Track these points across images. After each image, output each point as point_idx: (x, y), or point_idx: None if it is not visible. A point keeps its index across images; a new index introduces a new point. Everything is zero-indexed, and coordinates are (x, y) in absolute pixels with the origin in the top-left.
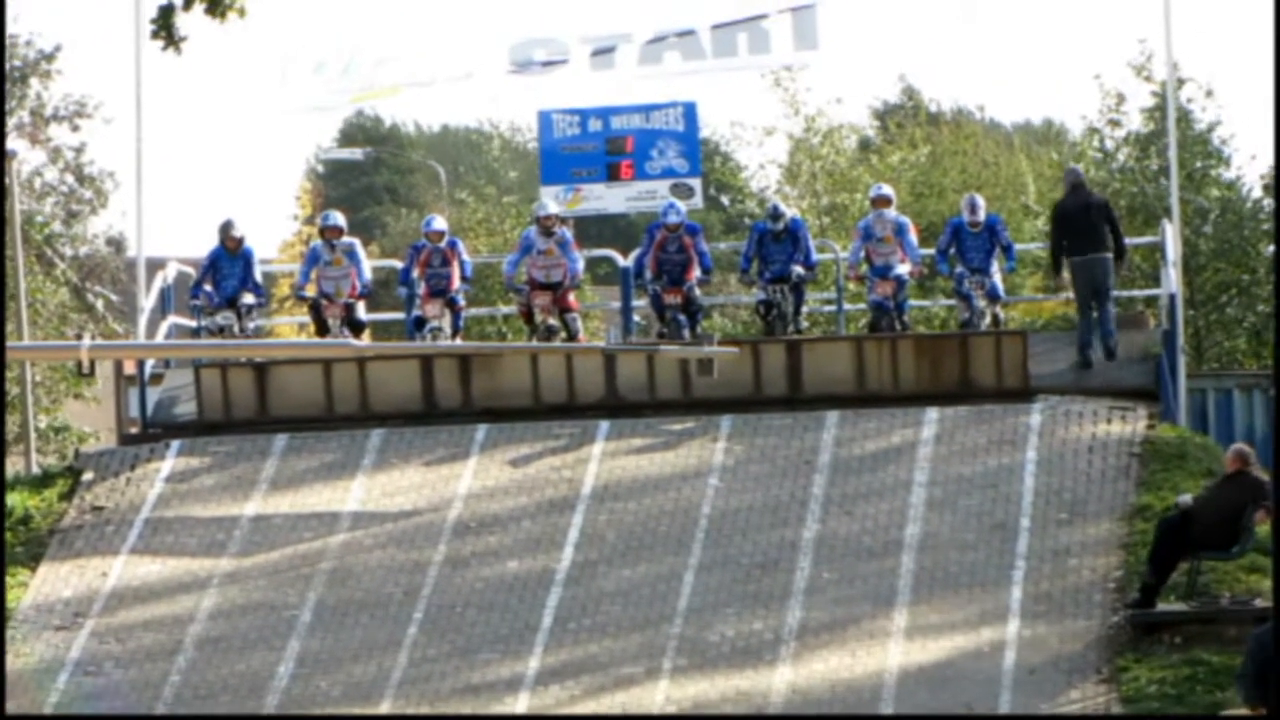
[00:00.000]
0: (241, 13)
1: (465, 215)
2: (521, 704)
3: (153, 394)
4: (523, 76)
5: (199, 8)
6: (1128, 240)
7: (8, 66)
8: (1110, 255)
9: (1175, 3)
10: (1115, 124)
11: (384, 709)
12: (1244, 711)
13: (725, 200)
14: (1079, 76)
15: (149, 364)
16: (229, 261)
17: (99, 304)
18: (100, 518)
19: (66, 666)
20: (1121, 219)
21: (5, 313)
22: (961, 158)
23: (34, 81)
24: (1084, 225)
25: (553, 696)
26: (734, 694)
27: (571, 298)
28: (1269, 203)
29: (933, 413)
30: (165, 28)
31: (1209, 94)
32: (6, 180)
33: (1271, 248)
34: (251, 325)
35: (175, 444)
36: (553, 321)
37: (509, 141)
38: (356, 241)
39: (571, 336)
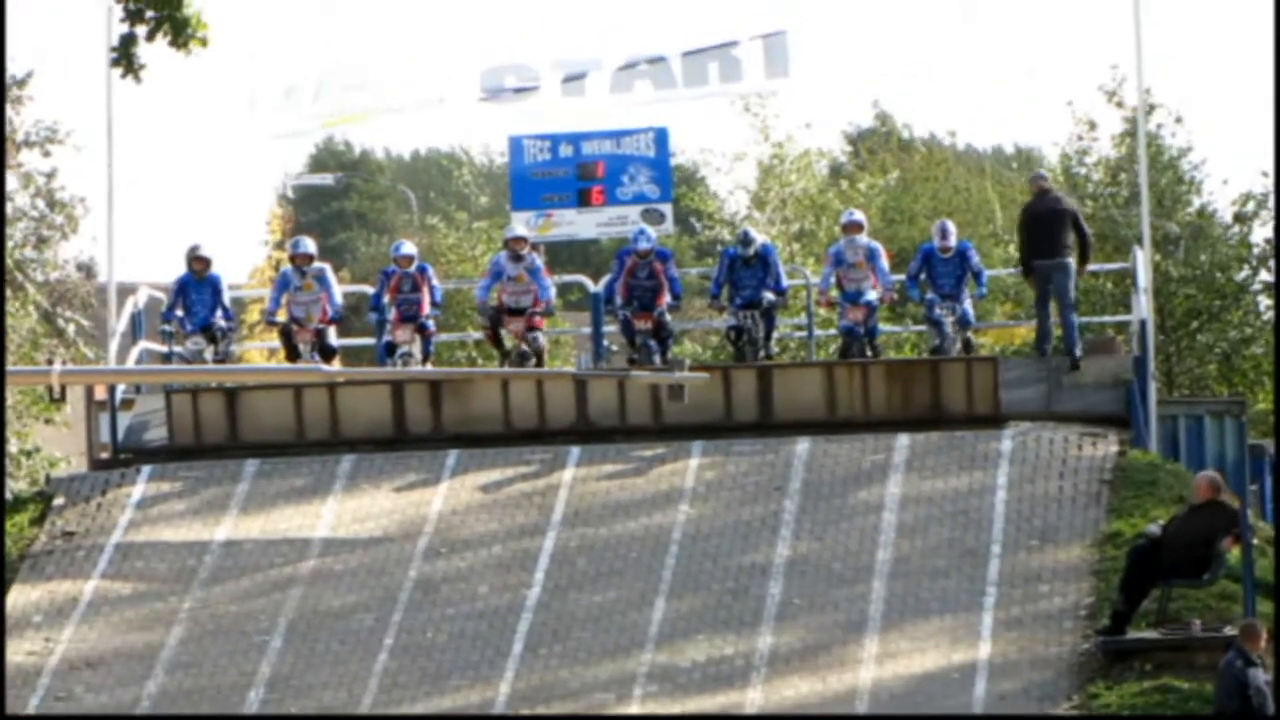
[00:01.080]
0: (204, 43)
1: (436, 241)
2: None
3: (123, 419)
4: (494, 103)
5: (162, 39)
6: (1100, 266)
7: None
8: (1072, 261)
9: (1146, 29)
10: (1084, 152)
11: None
12: None
13: (697, 225)
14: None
15: (120, 389)
16: (197, 287)
17: (70, 329)
18: (71, 543)
19: (37, 691)
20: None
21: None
22: (933, 184)
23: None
24: (1048, 230)
25: None
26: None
27: (538, 320)
28: (1238, 229)
29: (904, 438)
30: (126, 57)
31: (1179, 120)
32: None
33: (1244, 272)
34: (225, 349)
35: (146, 469)
36: (525, 348)
37: (480, 167)
38: (327, 267)
39: (537, 354)
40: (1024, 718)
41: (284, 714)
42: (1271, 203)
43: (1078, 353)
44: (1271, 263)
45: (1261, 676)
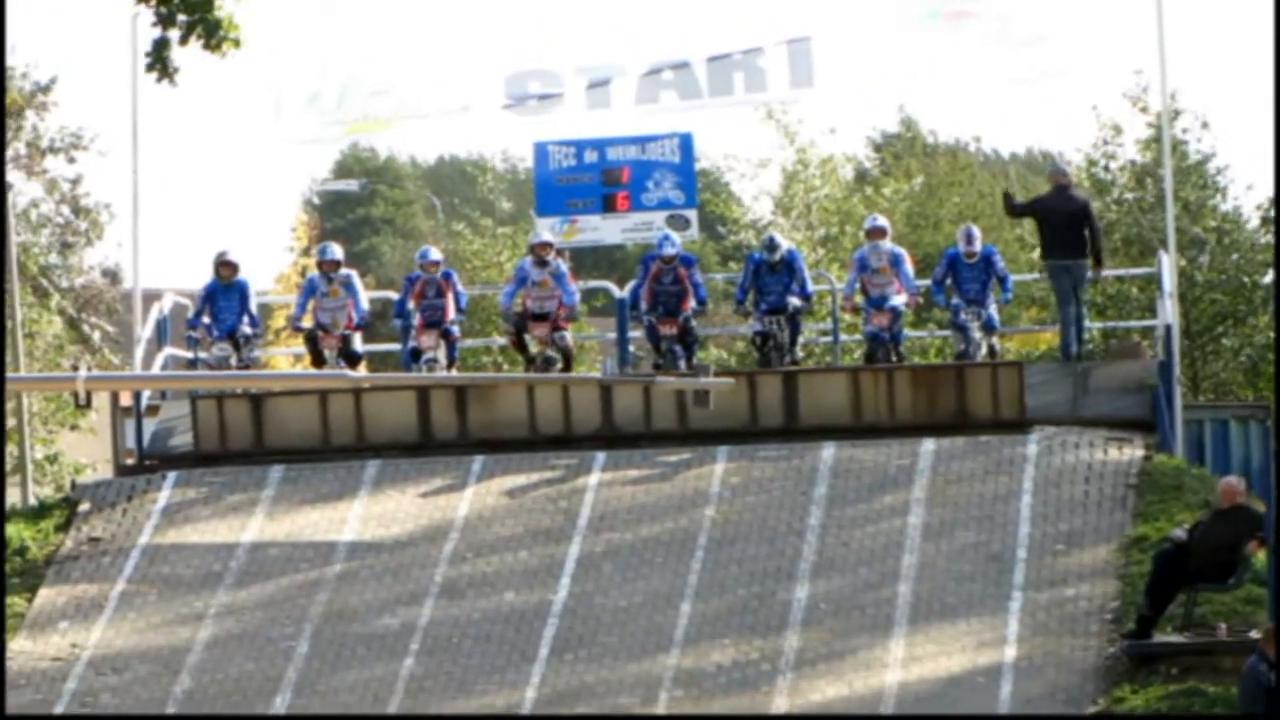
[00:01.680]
0: (237, 44)
1: (461, 246)
2: None
3: (149, 425)
4: (518, 112)
5: (195, 42)
6: (1125, 271)
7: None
8: (1087, 261)
9: (1170, 34)
10: (1111, 156)
11: None
12: None
13: (722, 231)
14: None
15: (145, 395)
16: (224, 294)
17: (95, 335)
18: (97, 549)
19: (63, 697)
20: (1117, 251)
21: (4, 344)
22: (957, 189)
23: (30, 114)
24: (1065, 227)
25: None
26: None
27: (563, 322)
28: (1265, 234)
29: (929, 443)
30: (160, 60)
31: (1205, 125)
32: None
33: (1269, 276)
34: (249, 356)
35: (171, 475)
36: (550, 353)
37: (503, 174)
38: (354, 273)
39: (565, 355)
40: (1041, 718)
41: (299, 714)
42: None
43: (1084, 341)
44: None
45: None
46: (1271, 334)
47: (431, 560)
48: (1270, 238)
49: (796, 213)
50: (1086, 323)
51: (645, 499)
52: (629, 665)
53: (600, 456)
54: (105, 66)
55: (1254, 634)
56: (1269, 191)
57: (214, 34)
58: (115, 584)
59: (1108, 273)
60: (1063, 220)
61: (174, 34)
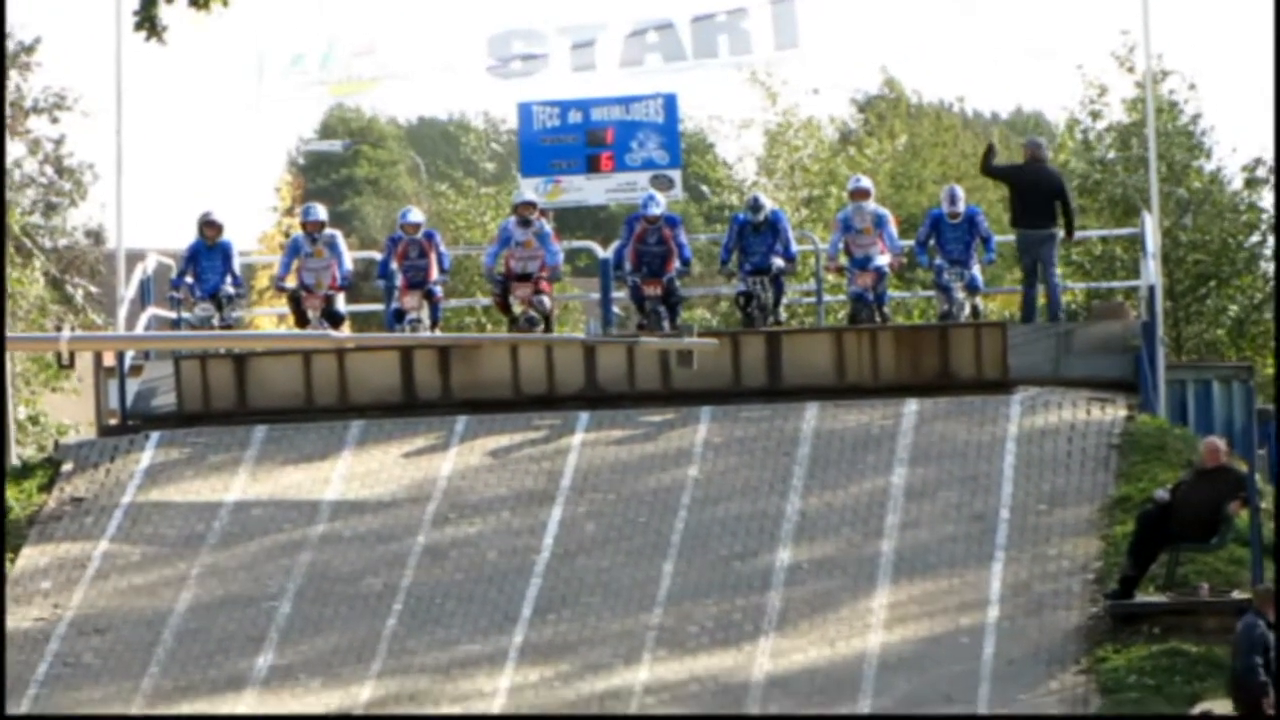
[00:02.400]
0: (225, 2)
1: (443, 207)
2: (501, 693)
3: (132, 385)
4: (502, 74)
5: (183, 1)
6: (1109, 232)
7: None
8: (1058, 232)
9: None
10: (1097, 115)
11: (364, 699)
12: (1218, 704)
13: (706, 191)
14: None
15: (128, 355)
16: (208, 254)
17: (78, 296)
18: (80, 509)
19: (45, 658)
20: (1102, 211)
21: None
22: (941, 149)
23: (13, 73)
24: (1037, 199)
25: (532, 686)
26: (713, 682)
27: (544, 284)
28: (1249, 195)
29: (912, 404)
30: (148, 19)
31: (1192, 87)
32: None
33: (1254, 237)
34: (232, 316)
35: (154, 435)
36: (533, 313)
37: (485, 135)
38: (338, 234)
39: (545, 318)
40: (1024, 718)
41: (301, 714)
42: None
43: (1061, 316)
44: None
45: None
46: (1256, 295)
47: (415, 520)
48: (1253, 198)
49: (780, 173)
50: (1069, 283)
51: (628, 459)
52: (611, 624)
53: (584, 417)
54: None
55: (1237, 594)
56: (1254, 153)
57: None
58: (98, 544)
59: (1092, 233)
60: (1035, 192)
61: None
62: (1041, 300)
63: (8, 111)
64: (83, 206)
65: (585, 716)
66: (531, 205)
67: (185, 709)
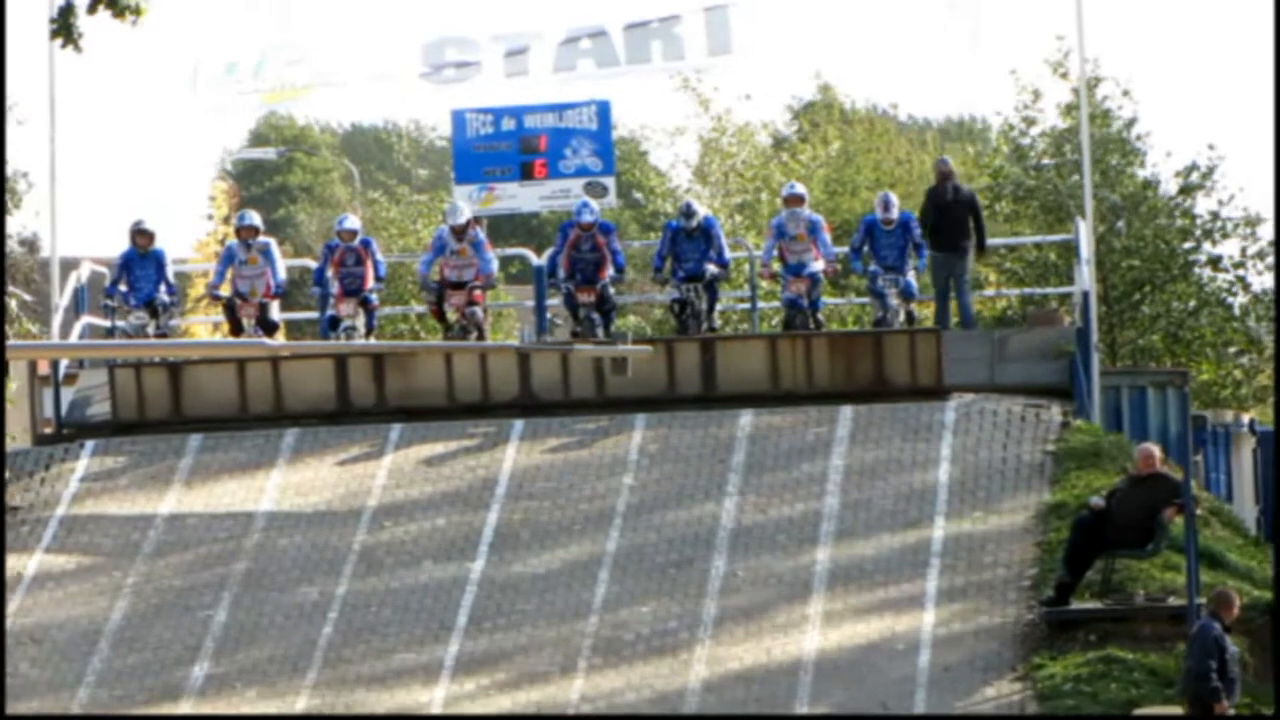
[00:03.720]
0: (138, 12)
1: (377, 215)
2: (437, 703)
3: (67, 394)
4: (436, 81)
5: (103, 10)
6: (1043, 238)
7: None
8: (969, 248)
9: (1091, 2)
10: (1031, 121)
11: (299, 708)
12: (1160, 709)
13: (640, 198)
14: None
15: (63, 364)
16: (141, 262)
17: (12, 304)
18: (15, 518)
19: None
20: (1035, 217)
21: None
22: (874, 155)
23: None
24: (948, 219)
25: (468, 695)
26: (649, 690)
27: (478, 294)
28: (1183, 200)
29: (847, 411)
30: (65, 27)
31: (1126, 93)
32: None
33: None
34: (167, 325)
35: (90, 444)
36: (465, 322)
37: (418, 142)
38: (272, 241)
39: (478, 329)
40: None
41: (303, 715)
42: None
43: (970, 322)
44: (1215, 235)
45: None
46: (1190, 300)
47: (349, 529)
48: (1187, 203)
49: (714, 180)
50: (1004, 290)
51: (563, 467)
52: (548, 632)
53: (518, 425)
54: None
55: (1172, 600)
56: (1186, 159)
57: (117, 1)
58: (33, 554)
59: (1026, 239)
60: (949, 213)
61: (82, 1)
62: (955, 319)
63: None
64: (16, 215)
65: (594, 717)
66: (466, 227)
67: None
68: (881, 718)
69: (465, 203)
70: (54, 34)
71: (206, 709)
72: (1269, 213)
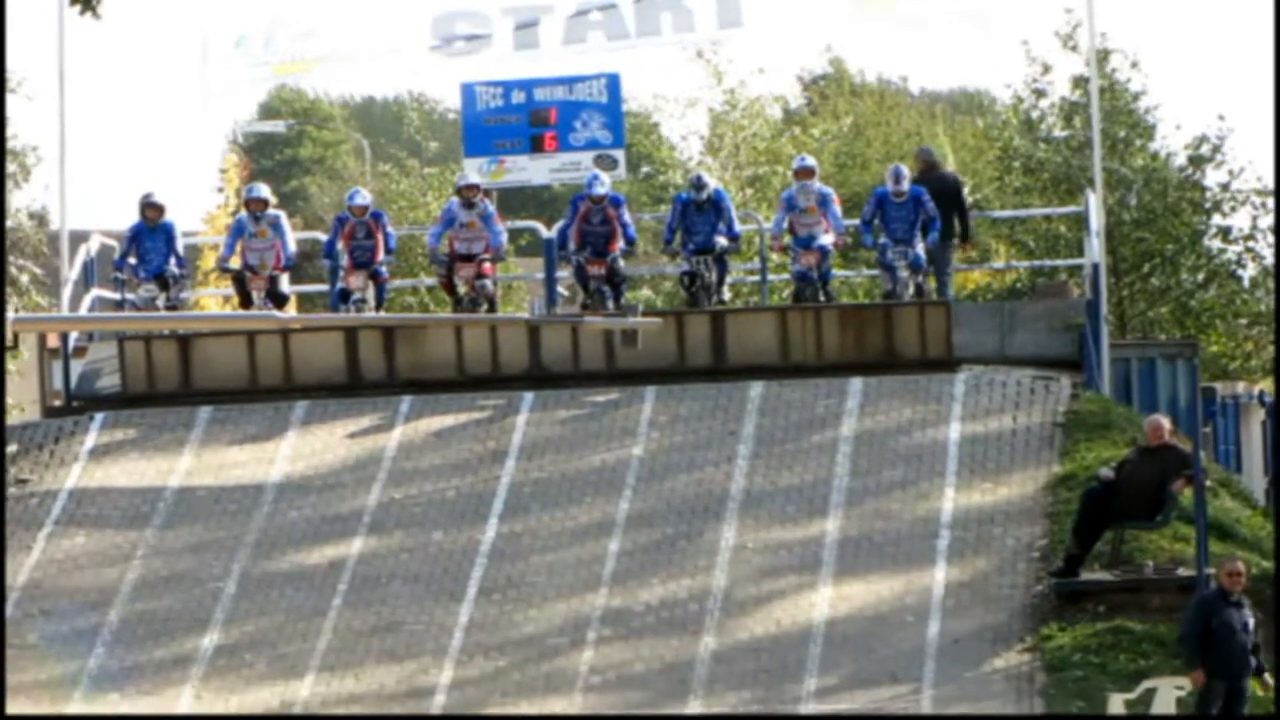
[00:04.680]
0: None
1: (387, 187)
2: (446, 674)
3: (76, 367)
4: (446, 53)
5: None
6: (1053, 210)
7: None
8: (955, 239)
9: None
10: (1040, 94)
11: (308, 681)
12: (1163, 681)
13: (650, 171)
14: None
15: (73, 337)
16: (151, 235)
17: (23, 277)
18: (24, 490)
19: None
20: (1046, 189)
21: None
22: (885, 129)
23: None
24: (938, 209)
25: (477, 668)
26: (658, 662)
27: (487, 266)
28: (1193, 172)
29: (857, 383)
30: None
31: (1135, 65)
32: None
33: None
34: (177, 297)
35: (99, 417)
36: (475, 295)
37: (429, 115)
38: (282, 214)
39: (489, 301)
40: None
41: (308, 715)
42: (1226, 148)
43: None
44: (1225, 207)
45: (1249, 616)
46: (1198, 273)
47: (359, 501)
48: (1197, 176)
49: (725, 153)
50: (1013, 262)
51: (573, 439)
52: (557, 604)
53: (528, 397)
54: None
55: (1181, 571)
56: (1196, 131)
57: None
58: (43, 526)
59: (1036, 212)
60: (935, 203)
61: None
62: None
63: None
64: (26, 188)
65: (601, 717)
66: (475, 188)
67: (131, 690)
68: (882, 717)
69: (474, 173)
70: (73, 1)
71: (216, 682)
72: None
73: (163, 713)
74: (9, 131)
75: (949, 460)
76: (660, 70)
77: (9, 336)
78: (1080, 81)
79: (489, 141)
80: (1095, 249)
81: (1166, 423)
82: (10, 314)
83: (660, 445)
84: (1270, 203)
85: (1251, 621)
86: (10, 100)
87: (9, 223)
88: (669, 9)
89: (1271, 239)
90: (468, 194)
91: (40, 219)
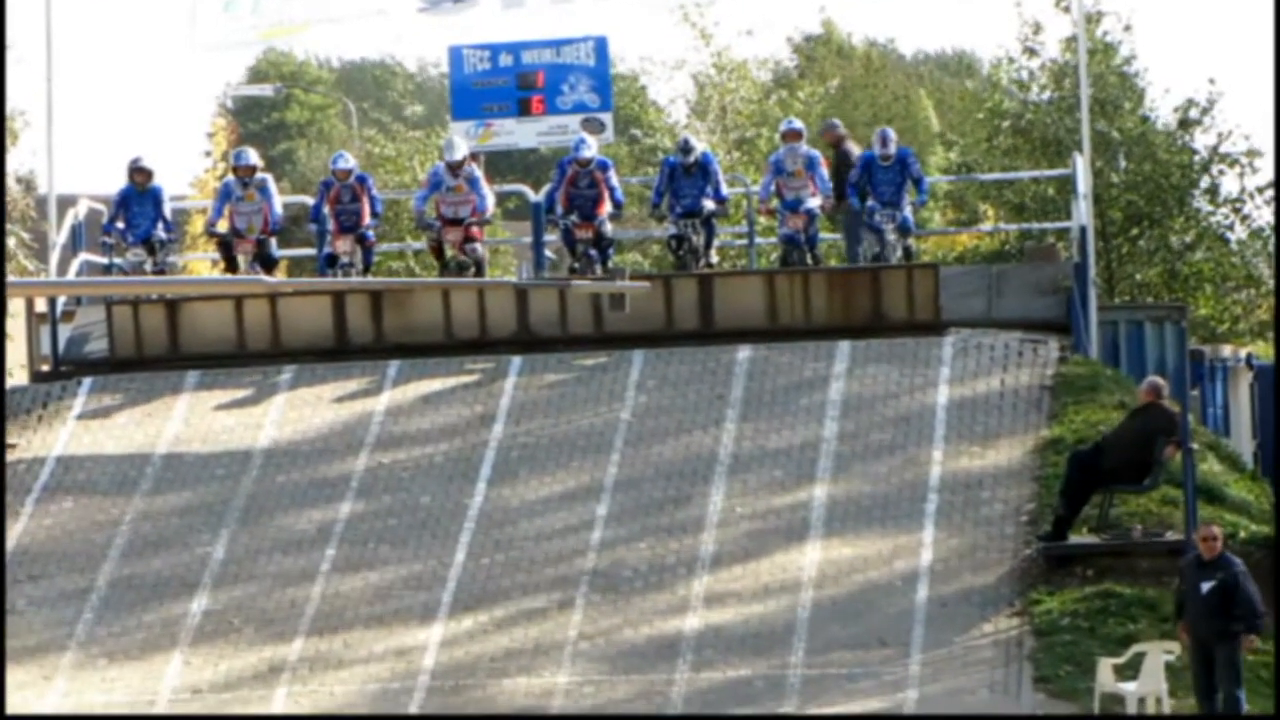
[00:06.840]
0: None
1: (373, 151)
2: (434, 639)
3: (64, 331)
4: (433, 14)
5: None
6: (1041, 173)
7: None
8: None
9: None
10: (1032, 53)
11: (297, 645)
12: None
13: (638, 134)
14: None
15: (60, 301)
16: (139, 200)
17: (10, 242)
18: (12, 455)
19: None
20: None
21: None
22: (871, 91)
23: None
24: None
25: (465, 631)
26: (646, 627)
27: (475, 230)
28: (1182, 136)
29: (844, 346)
30: None
31: (1127, 28)
32: None
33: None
34: (165, 262)
35: (87, 381)
36: (463, 258)
37: (414, 77)
38: (269, 178)
39: (477, 264)
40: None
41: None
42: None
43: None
44: (1214, 169)
45: (1224, 580)
46: (1186, 236)
47: (347, 465)
48: (1185, 139)
49: (713, 115)
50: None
51: (561, 402)
52: (545, 569)
53: (516, 361)
54: None
55: (1170, 535)
56: (1185, 94)
57: None
58: (31, 491)
59: (1024, 174)
60: (843, 169)
61: None
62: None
63: None
64: (14, 153)
65: (600, 717)
66: (462, 163)
67: (119, 655)
68: (882, 717)
69: (462, 139)
70: None
71: (204, 646)
72: (1268, 146)
73: (163, 713)
74: None
75: (937, 424)
76: (648, 32)
77: None
78: (1071, 43)
79: (476, 105)
80: (1083, 212)
81: (1162, 384)
82: None
83: (648, 409)
84: (1258, 163)
85: (1231, 585)
86: None
87: None
88: None
89: (1260, 200)
90: (455, 168)
91: (28, 184)
